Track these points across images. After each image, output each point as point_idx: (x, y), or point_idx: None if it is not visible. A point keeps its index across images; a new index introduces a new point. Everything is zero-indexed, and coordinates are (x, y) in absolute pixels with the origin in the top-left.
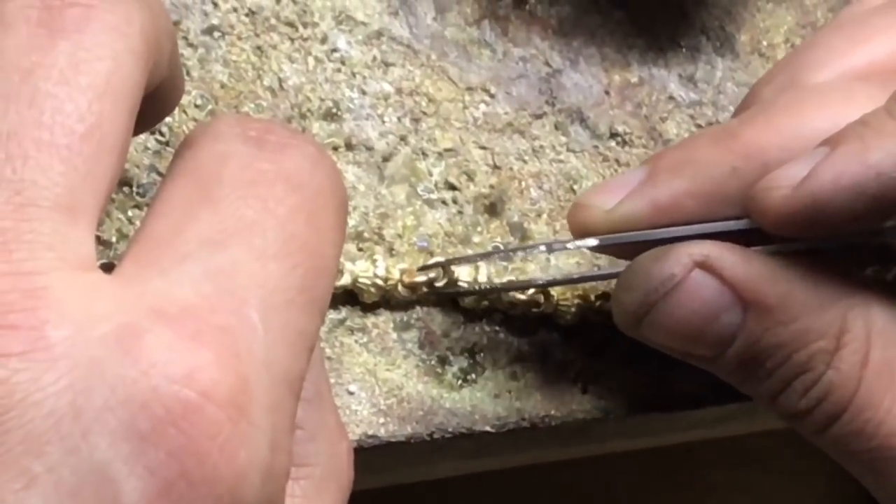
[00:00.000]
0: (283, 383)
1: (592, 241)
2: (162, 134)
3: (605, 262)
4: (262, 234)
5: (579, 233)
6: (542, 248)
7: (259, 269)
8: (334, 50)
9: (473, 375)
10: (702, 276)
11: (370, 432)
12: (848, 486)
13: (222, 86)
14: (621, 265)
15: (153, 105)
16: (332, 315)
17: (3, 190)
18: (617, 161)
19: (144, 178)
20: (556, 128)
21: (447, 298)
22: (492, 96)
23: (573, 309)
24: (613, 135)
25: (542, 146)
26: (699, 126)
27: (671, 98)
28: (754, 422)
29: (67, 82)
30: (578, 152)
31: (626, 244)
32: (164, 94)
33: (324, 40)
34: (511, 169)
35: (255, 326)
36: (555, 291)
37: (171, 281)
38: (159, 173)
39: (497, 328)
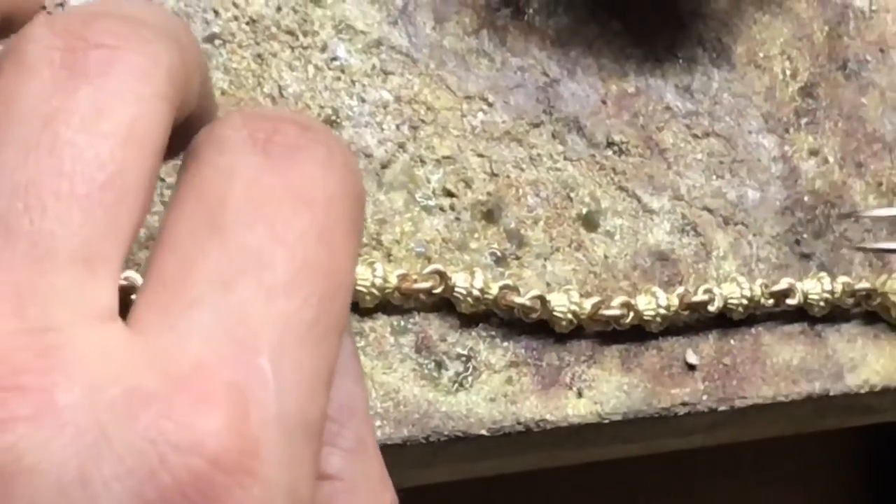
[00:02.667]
0: (299, 431)
1: None
2: None
3: (604, 271)
4: (271, 268)
5: None
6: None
7: (269, 310)
8: (334, 58)
9: (469, 379)
10: None
11: None
12: (844, 494)
13: (223, 93)
14: None
15: (183, 134)
16: None
17: (21, 242)
18: (613, 170)
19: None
20: (554, 136)
21: (444, 304)
22: (490, 105)
23: (569, 315)
24: (610, 144)
25: (539, 154)
26: (695, 136)
27: (668, 108)
28: (749, 429)
29: (88, 129)
30: (575, 161)
31: None
32: (195, 124)
33: (324, 49)
34: (508, 176)
35: (266, 378)
36: (551, 298)
37: (180, 334)
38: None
39: (493, 333)
